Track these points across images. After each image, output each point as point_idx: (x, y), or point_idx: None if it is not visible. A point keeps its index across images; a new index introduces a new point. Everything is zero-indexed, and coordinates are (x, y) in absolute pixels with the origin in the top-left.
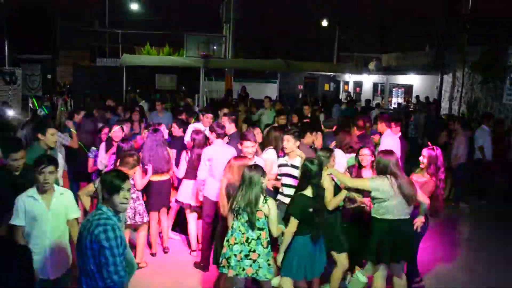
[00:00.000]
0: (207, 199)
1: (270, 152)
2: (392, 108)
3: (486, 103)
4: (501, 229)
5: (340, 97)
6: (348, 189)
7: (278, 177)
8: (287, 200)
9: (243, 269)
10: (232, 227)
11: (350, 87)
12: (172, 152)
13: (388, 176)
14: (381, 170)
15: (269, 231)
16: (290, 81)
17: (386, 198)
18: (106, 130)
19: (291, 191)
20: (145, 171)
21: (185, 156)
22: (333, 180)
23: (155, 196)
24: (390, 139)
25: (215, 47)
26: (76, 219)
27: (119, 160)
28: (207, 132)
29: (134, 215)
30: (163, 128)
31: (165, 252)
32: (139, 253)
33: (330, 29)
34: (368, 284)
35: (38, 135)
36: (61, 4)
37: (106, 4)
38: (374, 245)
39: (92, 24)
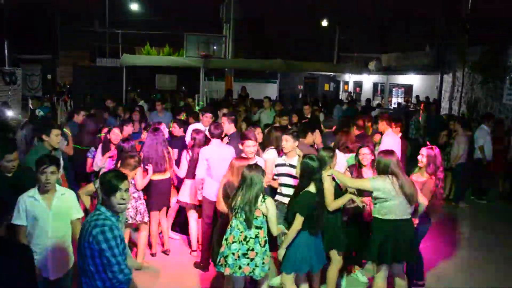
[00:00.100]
0: (206, 200)
1: (271, 152)
2: (392, 108)
3: (486, 103)
4: (501, 229)
5: (340, 97)
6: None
7: (275, 177)
8: (285, 200)
9: (240, 268)
10: (230, 226)
11: (350, 87)
12: (173, 152)
13: (389, 176)
14: (382, 170)
15: (268, 230)
16: (290, 81)
17: (388, 198)
18: (105, 130)
19: (289, 191)
20: (145, 171)
21: (186, 156)
22: (333, 180)
23: (156, 195)
24: (391, 139)
25: (215, 47)
26: (79, 219)
27: (119, 161)
28: (208, 132)
29: (136, 214)
30: (163, 127)
31: (166, 254)
32: (140, 254)
33: (330, 29)
34: (369, 284)
35: (43, 136)
36: (61, 4)
37: (106, 4)
38: (376, 245)
39: (92, 24)
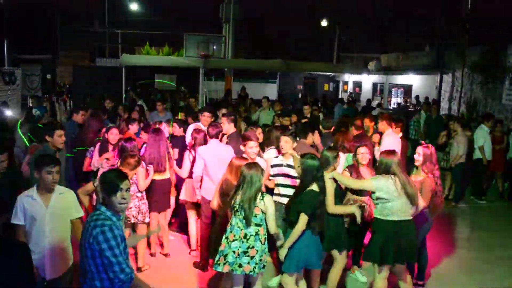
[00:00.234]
0: (205, 200)
1: (272, 152)
2: (391, 108)
3: (486, 103)
4: (501, 229)
5: (340, 97)
6: (348, 189)
7: (271, 177)
8: (283, 200)
9: (240, 266)
10: (230, 224)
11: (350, 87)
12: (174, 151)
13: (391, 176)
14: (383, 170)
15: (267, 227)
16: (290, 81)
17: (390, 198)
18: (103, 130)
19: (287, 191)
20: (147, 171)
21: (188, 156)
22: (334, 181)
23: (157, 196)
24: (391, 139)
25: (214, 47)
26: (80, 218)
27: (120, 161)
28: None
29: (138, 214)
30: (164, 127)
31: (166, 257)
32: (140, 256)
33: (330, 29)
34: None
35: (46, 137)
36: (61, 4)
37: (106, 4)
38: (377, 246)
39: (92, 24)
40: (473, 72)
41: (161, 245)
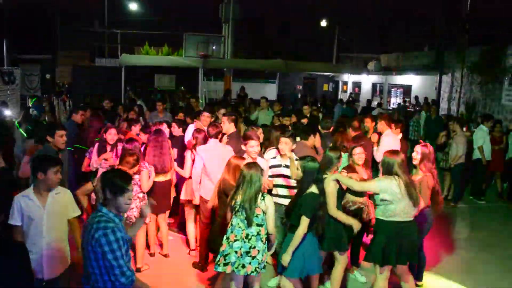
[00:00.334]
0: (204, 200)
1: (272, 153)
2: (391, 108)
3: (485, 103)
4: (500, 229)
5: (340, 97)
6: (347, 190)
7: (269, 178)
8: (281, 201)
9: (243, 266)
10: (231, 224)
11: (349, 87)
12: (174, 151)
13: (395, 177)
14: (386, 170)
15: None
16: (290, 82)
17: (394, 200)
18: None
19: (284, 192)
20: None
21: (190, 156)
22: (337, 183)
23: (158, 198)
24: (390, 139)
25: (214, 47)
26: (77, 217)
27: (119, 160)
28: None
29: (139, 215)
30: (165, 127)
31: (165, 256)
32: (139, 257)
33: (330, 29)
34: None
35: (47, 138)
36: (61, 4)
37: (105, 4)
38: (379, 246)
39: (92, 24)
40: (473, 72)
41: (160, 246)
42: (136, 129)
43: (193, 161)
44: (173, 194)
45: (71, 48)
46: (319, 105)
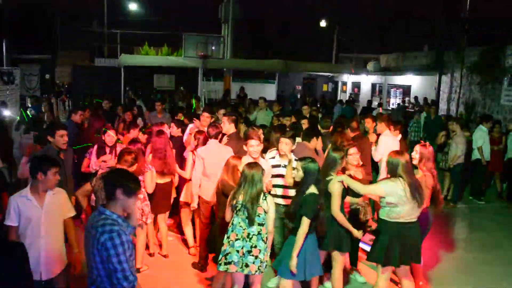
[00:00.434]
0: (203, 200)
1: (272, 153)
2: (390, 108)
3: (484, 104)
4: (500, 229)
5: (339, 97)
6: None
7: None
8: (279, 201)
9: (247, 265)
10: (232, 224)
11: (348, 88)
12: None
13: (400, 178)
14: (391, 170)
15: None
16: (289, 82)
17: (400, 203)
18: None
19: (283, 192)
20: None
21: (192, 156)
22: (342, 184)
23: (160, 199)
24: (389, 139)
25: (213, 47)
26: (71, 218)
27: (117, 159)
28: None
29: (141, 216)
30: (166, 128)
31: (164, 257)
32: (139, 257)
33: (330, 30)
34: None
35: (48, 138)
36: (61, 4)
37: (105, 5)
38: (382, 247)
39: (91, 25)
40: (472, 72)
41: (160, 246)
42: (135, 132)
43: (194, 162)
44: (173, 195)
45: (71, 48)
46: (318, 105)
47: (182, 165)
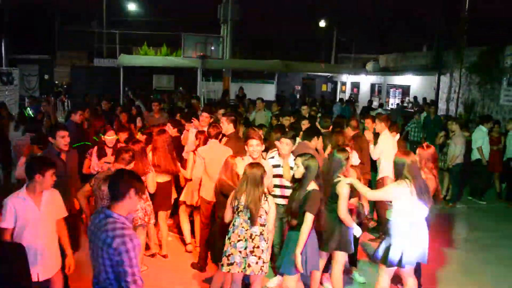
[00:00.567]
0: (203, 200)
1: (272, 154)
2: (390, 109)
3: (483, 104)
4: (499, 229)
5: (339, 97)
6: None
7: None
8: (278, 201)
9: (249, 266)
10: (233, 224)
11: (348, 88)
12: None
13: (406, 180)
14: (396, 170)
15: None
16: (288, 82)
17: (407, 206)
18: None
19: (279, 192)
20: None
21: (193, 156)
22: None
23: (160, 198)
24: (388, 139)
25: (212, 48)
26: (63, 218)
27: (114, 157)
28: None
29: (144, 216)
30: (168, 127)
31: (164, 257)
32: (139, 258)
33: (329, 30)
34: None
35: (49, 139)
36: (60, 5)
37: (104, 5)
38: (387, 247)
39: (91, 25)
40: (471, 72)
41: (160, 246)
42: (123, 136)
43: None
44: (174, 195)
45: (70, 49)
46: (317, 105)
47: (181, 165)
